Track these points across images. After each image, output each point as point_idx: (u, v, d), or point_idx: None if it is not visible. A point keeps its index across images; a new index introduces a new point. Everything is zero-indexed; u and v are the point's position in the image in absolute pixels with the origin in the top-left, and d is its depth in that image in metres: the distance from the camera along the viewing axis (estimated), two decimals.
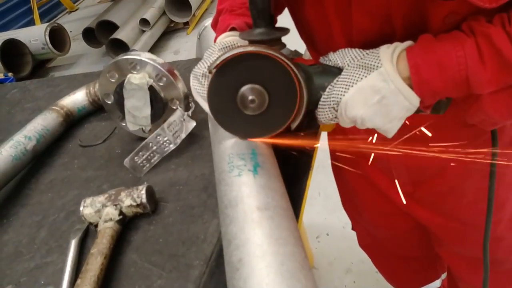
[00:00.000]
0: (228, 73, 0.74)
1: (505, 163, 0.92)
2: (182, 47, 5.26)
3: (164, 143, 1.14)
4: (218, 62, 0.72)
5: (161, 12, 5.36)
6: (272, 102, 0.75)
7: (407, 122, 0.74)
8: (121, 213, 0.97)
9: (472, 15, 0.69)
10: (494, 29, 0.64)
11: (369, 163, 1.09)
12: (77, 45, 5.89)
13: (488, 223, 0.97)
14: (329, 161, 1.33)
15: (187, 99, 1.19)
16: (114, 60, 1.15)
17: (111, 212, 0.96)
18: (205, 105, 0.83)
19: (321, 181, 2.06)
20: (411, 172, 1.06)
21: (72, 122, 1.44)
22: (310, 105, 0.76)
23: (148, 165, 1.14)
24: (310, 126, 0.96)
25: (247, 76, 0.73)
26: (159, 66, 1.14)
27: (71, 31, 5.80)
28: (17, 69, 5.03)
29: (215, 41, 0.90)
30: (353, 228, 1.59)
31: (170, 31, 5.63)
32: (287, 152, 0.87)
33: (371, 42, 0.78)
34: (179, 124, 1.13)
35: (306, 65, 0.77)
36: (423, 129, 0.87)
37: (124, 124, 1.24)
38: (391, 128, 0.73)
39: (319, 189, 2.57)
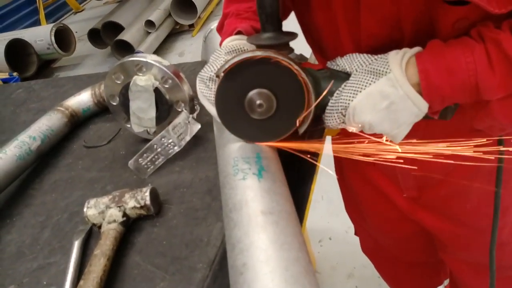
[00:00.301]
0: (236, 78, 0.73)
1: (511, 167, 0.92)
2: (187, 49, 5.27)
3: (169, 145, 1.13)
4: (226, 66, 0.72)
5: (167, 14, 5.38)
6: (280, 107, 0.75)
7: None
8: (124, 214, 0.96)
9: (481, 21, 0.68)
10: (503, 35, 0.64)
11: (374, 167, 1.09)
12: (82, 46, 5.91)
13: (494, 228, 0.97)
14: (332, 165, 1.32)
15: (192, 101, 1.19)
16: (120, 62, 1.15)
17: (115, 213, 0.96)
18: (211, 109, 0.83)
19: (324, 185, 2.06)
20: (417, 176, 1.05)
21: (77, 122, 1.44)
22: (317, 110, 0.76)
23: (152, 167, 1.14)
24: (315, 131, 0.96)
25: (255, 80, 0.73)
26: (165, 68, 1.14)
27: (76, 32, 5.82)
28: (22, 69, 5.04)
29: (220, 44, 0.90)
30: (356, 233, 1.58)
31: (175, 33, 5.64)
32: (292, 156, 0.87)
33: (379, 47, 0.77)
34: (184, 126, 1.13)
35: (314, 70, 0.77)
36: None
37: (129, 126, 1.24)
38: (399, 133, 0.73)
39: (322, 193, 2.56)
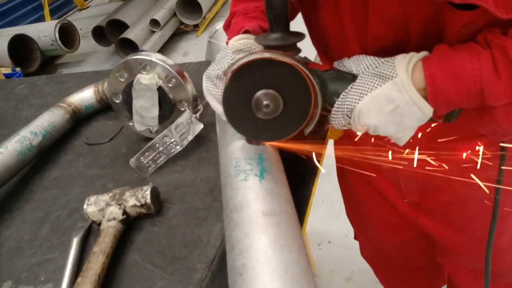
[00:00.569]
0: (244, 78, 0.74)
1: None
2: (191, 49, 5.27)
3: (171, 145, 1.13)
4: (235, 66, 0.73)
5: (172, 14, 5.38)
6: (287, 107, 0.75)
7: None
8: (124, 212, 0.96)
9: (488, 26, 0.69)
10: (509, 42, 0.64)
11: (377, 171, 1.09)
12: (87, 43, 5.91)
13: (491, 233, 0.97)
14: (334, 169, 1.32)
15: (196, 101, 1.18)
16: (124, 60, 1.15)
17: (115, 211, 0.95)
18: (217, 107, 0.83)
19: (325, 188, 2.05)
20: (419, 182, 1.05)
21: (79, 119, 1.44)
22: (324, 111, 0.76)
23: (153, 165, 1.14)
24: (319, 131, 0.96)
25: (263, 81, 0.74)
26: (169, 67, 1.14)
27: (81, 29, 5.82)
28: (25, 64, 5.04)
29: (227, 43, 0.90)
30: (355, 237, 1.58)
31: (179, 32, 5.64)
32: (294, 157, 0.87)
33: (385, 49, 0.78)
34: (187, 126, 1.13)
35: (320, 71, 0.77)
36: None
37: (131, 124, 1.24)
38: (403, 137, 0.73)
39: (323, 196, 2.55)
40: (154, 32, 5.17)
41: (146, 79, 1.13)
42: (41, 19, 6.55)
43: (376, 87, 0.70)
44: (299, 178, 1.09)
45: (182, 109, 1.17)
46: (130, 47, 4.86)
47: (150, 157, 1.13)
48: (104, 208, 0.97)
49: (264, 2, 0.74)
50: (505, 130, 0.78)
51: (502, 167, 0.91)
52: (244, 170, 0.77)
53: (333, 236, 2.43)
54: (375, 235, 1.41)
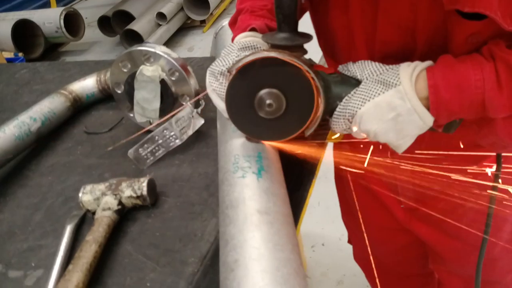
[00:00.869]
0: (248, 76, 0.74)
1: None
2: (196, 45, 5.27)
3: (170, 138, 1.13)
4: (240, 64, 0.73)
5: (179, 8, 5.37)
6: (289, 108, 0.75)
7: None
8: (120, 203, 0.96)
9: (494, 37, 0.69)
10: None
11: (374, 176, 1.09)
12: (91, 32, 5.90)
13: (484, 243, 0.98)
14: (331, 172, 1.32)
15: (198, 96, 1.18)
16: (128, 50, 1.15)
17: (110, 201, 0.95)
18: (219, 103, 0.83)
19: (322, 191, 2.05)
20: (416, 188, 1.06)
21: (80, 108, 1.44)
22: (325, 114, 0.76)
23: (152, 158, 1.14)
24: (318, 135, 0.96)
25: (267, 80, 0.74)
26: (173, 61, 1.13)
27: (86, 18, 5.80)
28: (28, 50, 5.02)
29: (233, 40, 0.90)
30: (349, 241, 1.58)
31: (186, 27, 5.64)
32: (292, 158, 0.87)
33: (392, 54, 0.78)
34: (187, 120, 1.13)
35: (325, 73, 0.77)
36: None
37: (131, 115, 1.24)
38: (402, 144, 0.74)
39: (319, 199, 2.56)
40: (160, 25, 5.16)
41: (149, 71, 1.12)
42: (46, 5, 6.53)
43: (379, 94, 0.71)
44: (296, 178, 1.09)
45: (184, 104, 1.17)
46: (135, 38, 4.86)
47: (149, 149, 1.13)
48: (100, 198, 0.96)
49: (274, 1, 0.74)
50: (504, 142, 0.78)
51: (498, 178, 0.91)
52: (243, 167, 0.77)
53: (327, 239, 2.43)
54: (369, 240, 1.41)
